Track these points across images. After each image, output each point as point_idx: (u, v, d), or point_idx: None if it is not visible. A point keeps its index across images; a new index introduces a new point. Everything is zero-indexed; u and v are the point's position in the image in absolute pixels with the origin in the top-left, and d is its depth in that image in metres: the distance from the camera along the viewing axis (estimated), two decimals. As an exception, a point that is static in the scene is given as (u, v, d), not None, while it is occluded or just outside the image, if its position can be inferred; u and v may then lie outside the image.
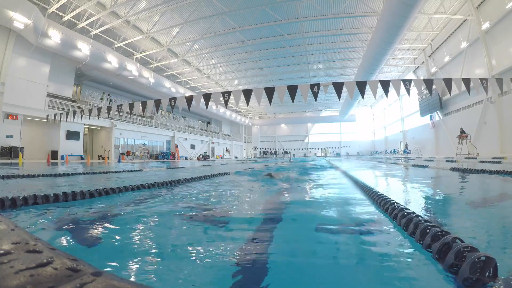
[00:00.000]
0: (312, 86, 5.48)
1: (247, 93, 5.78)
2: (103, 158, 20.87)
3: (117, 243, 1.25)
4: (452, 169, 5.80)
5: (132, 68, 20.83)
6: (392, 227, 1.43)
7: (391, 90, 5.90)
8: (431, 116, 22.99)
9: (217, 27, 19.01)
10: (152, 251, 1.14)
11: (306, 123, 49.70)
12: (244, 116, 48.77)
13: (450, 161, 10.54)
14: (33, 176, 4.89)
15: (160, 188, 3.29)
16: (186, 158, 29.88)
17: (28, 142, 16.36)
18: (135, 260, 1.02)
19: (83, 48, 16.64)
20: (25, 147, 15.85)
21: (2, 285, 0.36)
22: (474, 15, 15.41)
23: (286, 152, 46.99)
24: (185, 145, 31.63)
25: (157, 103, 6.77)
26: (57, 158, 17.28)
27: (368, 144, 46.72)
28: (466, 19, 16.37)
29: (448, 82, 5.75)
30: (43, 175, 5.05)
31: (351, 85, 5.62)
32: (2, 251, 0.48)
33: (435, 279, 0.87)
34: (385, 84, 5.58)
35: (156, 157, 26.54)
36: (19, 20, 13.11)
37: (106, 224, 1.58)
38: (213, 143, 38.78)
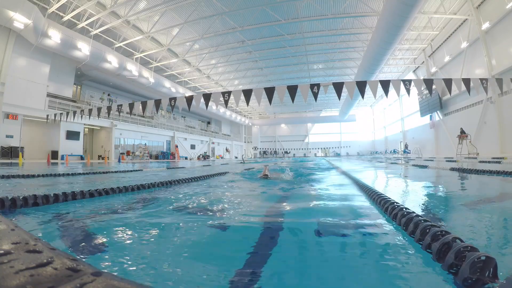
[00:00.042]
0: (312, 86, 5.48)
1: (247, 93, 5.78)
2: (103, 158, 20.87)
3: (117, 243, 1.25)
4: (452, 169, 5.80)
5: (132, 68, 20.84)
6: (392, 227, 1.43)
7: (391, 90, 5.90)
8: (431, 116, 22.99)
9: (217, 27, 19.01)
10: (152, 251, 1.14)
11: (306, 123, 49.71)
12: (244, 116, 48.77)
13: (450, 161, 10.54)
14: (33, 176, 4.89)
15: (160, 188, 3.29)
16: (186, 158, 29.88)
17: (28, 142, 16.36)
18: (135, 259, 1.02)
19: (83, 48, 16.64)
20: (25, 147, 15.85)
21: (2, 285, 0.36)
22: (474, 15, 15.41)
23: (286, 152, 47.01)
24: (185, 145, 31.63)
25: (157, 103, 6.77)
26: (57, 158, 17.28)
27: (368, 144, 46.72)
28: (466, 19, 16.37)
29: (448, 82, 5.75)
30: (43, 175, 5.05)
31: (351, 85, 5.62)
32: (2, 251, 0.48)
33: (434, 279, 0.87)
34: (385, 84, 5.58)
35: (156, 157, 26.53)
36: (19, 20, 13.11)
37: (106, 224, 1.58)
38: (213, 143, 38.78)
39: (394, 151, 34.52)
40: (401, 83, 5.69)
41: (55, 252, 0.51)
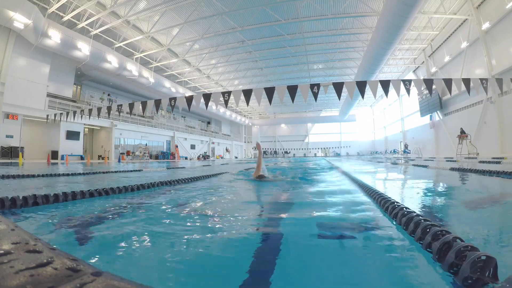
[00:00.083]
0: (312, 86, 5.48)
1: (247, 93, 5.78)
2: (103, 158, 20.88)
3: (116, 243, 1.25)
4: (452, 169, 5.80)
5: (132, 68, 20.84)
6: (392, 226, 1.43)
7: (391, 90, 5.90)
8: (431, 116, 23.00)
9: (217, 27, 19.01)
10: (151, 250, 1.14)
11: (306, 123, 49.73)
12: (244, 116, 48.77)
13: (450, 161, 10.54)
14: (33, 176, 4.89)
15: (160, 188, 3.29)
16: (186, 158, 29.88)
17: (28, 142, 16.37)
18: (133, 259, 1.02)
19: (83, 48, 16.64)
20: (25, 147, 15.85)
21: (2, 285, 0.36)
22: (474, 15, 15.41)
23: (286, 152, 47.01)
24: (185, 145, 31.63)
25: (157, 103, 6.77)
26: (57, 158, 17.28)
27: (368, 144, 46.74)
28: (466, 19, 16.37)
29: (448, 82, 5.75)
30: (43, 175, 5.05)
31: (351, 85, 5.62)
32: (2, 251, 0.48)
33: (434, 278, 0.87)
34: (385, 84, 5.58)
35: (156, 157, 26.54)
36: (19, 20, 13.12)
37: (105, 224, 1.58)
38: (213, 143, 38.77)
39: (394, 151, 34.53)
40: (401, 83, 5.69)
41: (55, 252, 0.51)
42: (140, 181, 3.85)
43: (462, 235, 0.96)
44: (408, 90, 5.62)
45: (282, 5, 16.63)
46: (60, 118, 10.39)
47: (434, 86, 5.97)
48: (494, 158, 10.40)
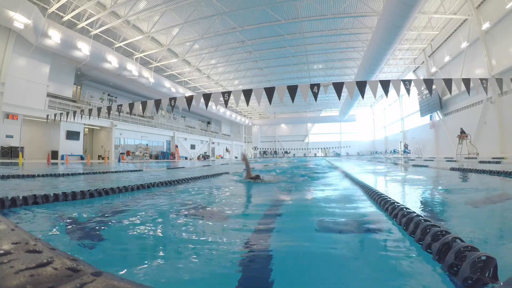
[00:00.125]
0: (312, 86, 5.48)
1: (247, 93, 5.78)
2: (103, 158, 20.87)
3: (115, 243, 1.25)
4: (452, 169, 5.80)
5: (132, 68, 20.83)
6: (392, 227, 1.43)
7: (391, 90, 5.89)
8: (431, 116, 22.99)
9: (217, 27, 19.00)
10: (150, 250, 1.14)
11: (306, 123, 49.70)
12: (244, 116, 48.77)
13: (450, 161, 10.54)
14: (33, 176, 4.89)
15: (159, 188, 3.29)
16: (186, 158, 29.88)
17: (28, 142, 16.36)
18: (132, 260, 1.02)
19: (83, 48, 16.63)
20: (25, 147, 15.84)
21: (2, 285, 0.36)
22: (474, 15, 15.40)
23: (286, 152, 47.01)
24: (185, 145, 31.62)
25: (157, 103, 6.77)
26: (57, 158, 17.28)
27: (368, 144, 46.72)
28: (466, 19, 16.36)
29: (448, 82, 5.75)
30: (43, 175, 5.05)
31: (351, 85, 5.62)
32: (2, 251, 0.48)
33: (434, 279, 0.87)
34: (385, 84, 5.57)
35: (156, 157, 26.53)
36: (19, 20, 13.11)
37: (105, 224, 1.58)
38: (213, 143, 38.77)
39: (394, 151, 34.51)
40: (401, 83, 5.69)
41: (55, 252, 0.51)
42: (140, 181, 3.85)
43: (462, 235, 0.95)
44: (408, 90, 5.61)
45: (282, 5, 16.62)
46: (60, 118, 10.39)
47: (434, 86, 5.96)
48: (494, 158, 10.40)
